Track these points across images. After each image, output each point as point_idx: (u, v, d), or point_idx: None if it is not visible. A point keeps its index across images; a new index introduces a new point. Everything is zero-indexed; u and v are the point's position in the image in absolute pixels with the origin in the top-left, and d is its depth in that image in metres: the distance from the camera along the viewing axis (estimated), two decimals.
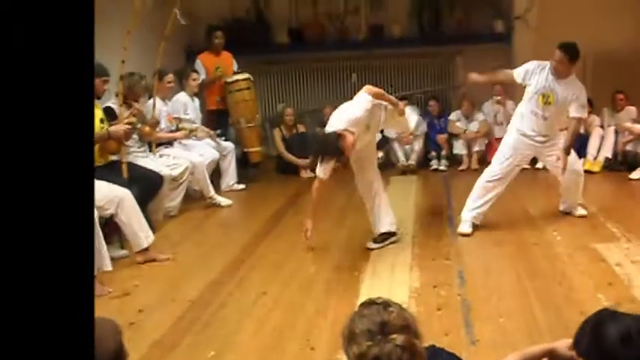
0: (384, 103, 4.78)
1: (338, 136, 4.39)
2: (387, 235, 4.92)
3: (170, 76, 6.40)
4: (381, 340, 1.56)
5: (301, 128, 8.22)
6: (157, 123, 6.02)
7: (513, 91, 8.31)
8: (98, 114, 4.94)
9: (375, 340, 1.57)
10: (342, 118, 4.53)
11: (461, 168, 7.97)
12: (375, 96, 4.66)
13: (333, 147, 4.42)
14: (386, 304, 1.67)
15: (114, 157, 5.13)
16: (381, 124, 4.93)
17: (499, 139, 8.15)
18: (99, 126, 4.85)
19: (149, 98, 6.08)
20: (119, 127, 4.88)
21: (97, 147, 4.82)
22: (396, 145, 7.96)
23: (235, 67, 7.54)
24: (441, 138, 8.10)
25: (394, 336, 1.57)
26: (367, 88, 4.74)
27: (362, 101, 4.63)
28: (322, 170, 4.65)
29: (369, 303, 1.70)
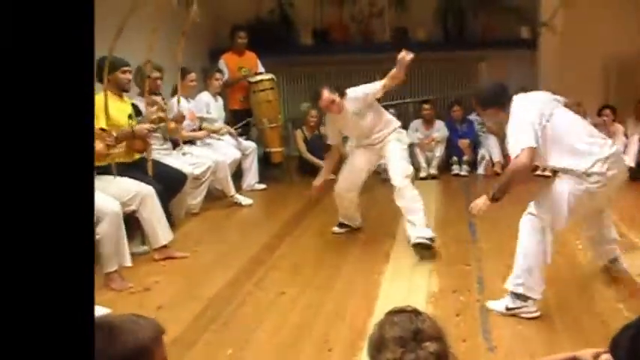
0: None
1: (321, 90, 4.93)
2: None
3: (192, 75, 6.44)
4: (415, 347, 1.56)
5: (323, 130, 8.22)
6: (183, 118, 6.06)
7: None
8: (127, 109, 4.99)
9: (409, 347, 1.56)
10: (353, 89, 5.08)
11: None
12: (387, 85, 4.97)
13: (315, 91, 5.04)
14: (417, 312, 1.66)
15: (139, 155, 5.17)
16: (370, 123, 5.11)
17: None
18: (127, 122, 4.90)
19: (173, 95, 6.14)
20: (143, 126, 4.93)
21: (123, 144, 4.87)
22: (417, 151, 7.95)
23: (260, 67, 7.58)
24: (464, 143, 8.08)
25: (427, 344, 1.56)
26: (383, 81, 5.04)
27: (371, 85, 5.09)
28: (329, 134, 5.38)
29: (398, 311, 1.68)
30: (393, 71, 4.83)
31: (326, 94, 4.87)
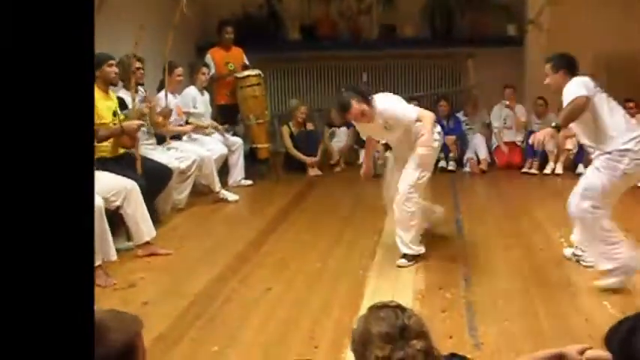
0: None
1: (349, 101, 4.41)
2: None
3: (180, 70, 6.41)
4: (403, 344, 1.55)
5: (310, 126, 8.22)
6: (170, 112, 6.02)
7: (522, 98, 8.33)
8: (112, 106, 4.96)
9: (397, 344, 1.55)
10: (386, 102, 4.55)
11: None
12: (420, 120, 4.57)
13: (342, 102, 4.47)
14: (402, 308, 1.65)
15: (124, 150, 5.14)
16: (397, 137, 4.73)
17: (507, 143, 8.22)
18: (111, 119, 4.86)
19: (159, 90, 6.11)
20: (133, 123, 4.90)
21: (111, 141, 4.84)
22: None
23: (246, 62, 7.55)
24: (450, 139, 8.08)
25: (414, 341, 1.56)
26: (422, 112, 4.69)
27: (408, 110, 4.63)
28: (361, 133, 4.94)
29: (383, 306, 1.67)
30: (429, 123, 4.56)
31: (355, 105, 4.39)
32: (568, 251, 4.55)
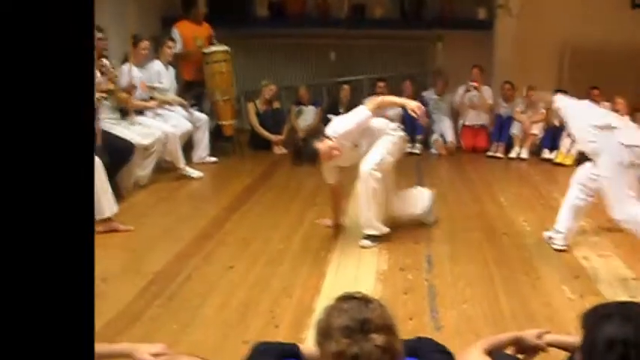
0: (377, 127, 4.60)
1: (320, 142, 4.28)
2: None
3: (145, 43, 6.27)
4: (360, 338, 1.50)
5: (276, 104, 8.15)
6: (134, 88, 5.91)
7: (490, 81, 8.36)
8: None
9: (355, 338, 1.51)
10: (337, 126, 4.45)
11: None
12: (377, 107, 4.54)
13: (310, 153, 4.30)
14: (367, 300, 1.60)
15: None
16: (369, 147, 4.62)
17: (467, 127, 8.25)
18: None
19: (123, 63, 5.98)
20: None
21: None
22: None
23: (213, 38, 7.45)
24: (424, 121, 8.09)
25: (374, 335, 1.51)
26: (368, 102, 4.66)
27: (358, 114, 4.52)
28: (327, 176, 4.68)
29: (348, 297, 1.62)
30: (386, 99, 4.61)
31: (323, 147, 4.27)
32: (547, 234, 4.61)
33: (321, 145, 4.26)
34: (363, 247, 4.47)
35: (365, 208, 4.53)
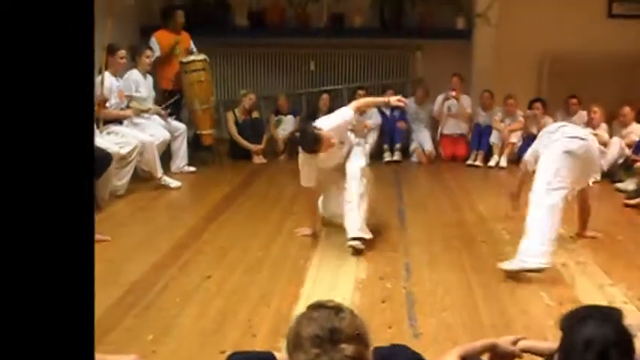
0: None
1: (317, 131, 4.37)
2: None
3: (122, 52, 6.24)
4: (330, 348, 1.47)
5: (255, 114, 8.13)
6: (105, 100, 5.87)
7: (469, 90, 8.41)
8: None
9: (324, 347, 1.48)
10: (324, 123, 4.51)
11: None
12: (360, 108, 4.60)
13: (311, 138, 4.37)
14: (338, 309, 1.57)
15: None
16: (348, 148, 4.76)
17: (446, 136, 8.30)
18: None
19: (98, 74, 5.93)
20: None
21: None
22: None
23: (193, 47, 7.43)
24: (402, 124, 8.16)
25: (344, 345, 1.48)
26: (352, 104, 4.75)
27: (343, 111, 4.64)
28: (304, 178, 4.66)
29: (319, 305, 1.59)
30: (369, 100, 4.68)
31: (326, 134, 4.35)
32: None
33: (325, 135, 4.34)
34: (352, 246, 4.44)
35: (355, 209, 4.53)
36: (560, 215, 4.13)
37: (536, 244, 3.99)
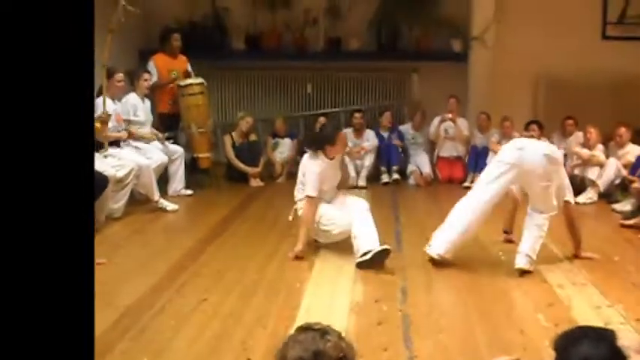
0: None
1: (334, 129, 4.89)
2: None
3: (120, 75, 6.27)
4: None
5: (252, 136, 8.14)
6: (109, 117, 5.87)
7: (466, 112, 8.44)
8: None
9: None
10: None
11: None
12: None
13: (331, 131, 4.89)
14: (323, 332, 1.59)
15: None
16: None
17: (443, 158, 8.32)
18: None
19: (99, 95, 5.96)
20: None
21: None
22: (346, 160, 7.94)
23: (190, 71, 7.46)
24: (398, 142, 8.20)
25: None
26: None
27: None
28: (311, 188, 4.83)
29: (306, 328, 1.61)
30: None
31: (343, 133, 5.09)
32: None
33: (341, 135, 4.89)
34: (360, 262, 4.62)
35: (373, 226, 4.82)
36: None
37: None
